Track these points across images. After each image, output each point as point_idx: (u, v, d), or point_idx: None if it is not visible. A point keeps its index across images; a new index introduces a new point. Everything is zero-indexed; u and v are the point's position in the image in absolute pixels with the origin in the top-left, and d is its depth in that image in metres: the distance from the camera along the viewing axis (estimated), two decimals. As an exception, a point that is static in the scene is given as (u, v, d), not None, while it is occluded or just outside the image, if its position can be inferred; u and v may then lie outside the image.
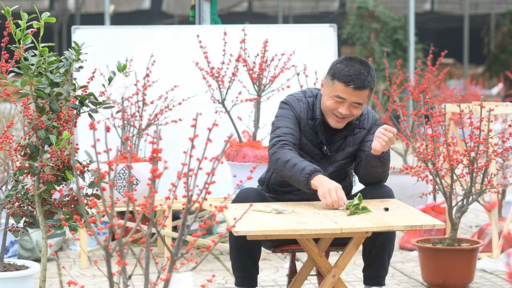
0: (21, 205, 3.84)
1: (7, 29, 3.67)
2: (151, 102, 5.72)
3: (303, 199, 3.96)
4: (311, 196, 3.89)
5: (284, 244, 3.94)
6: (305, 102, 4.04)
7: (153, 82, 5.79)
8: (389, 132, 3.84)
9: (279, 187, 4.07)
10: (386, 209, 3.66)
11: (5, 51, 3.77)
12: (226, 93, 5.68)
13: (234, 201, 3.91)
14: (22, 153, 3.77)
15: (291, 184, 3.90)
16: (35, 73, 3.67)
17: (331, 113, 3.94)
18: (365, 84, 3.87)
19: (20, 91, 3.68)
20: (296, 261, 4.21)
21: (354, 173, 4.15)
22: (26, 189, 3.81)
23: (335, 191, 3.69)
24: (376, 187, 3.97)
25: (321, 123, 4.00)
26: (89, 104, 3.81)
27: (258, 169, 5.09)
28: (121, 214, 5.89)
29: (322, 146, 4.01)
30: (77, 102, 3.77)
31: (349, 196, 4.07)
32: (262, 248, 4.04)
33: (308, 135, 4.01)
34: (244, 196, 3.87)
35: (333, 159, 4.04)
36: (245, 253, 3.84)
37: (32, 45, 3.70)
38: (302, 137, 4.01)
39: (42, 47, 3.70)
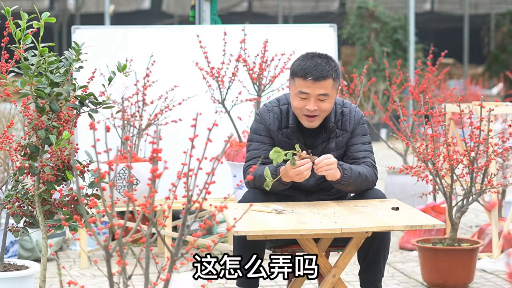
0: (21, 205, 3.84)
1: (7, 29, 3.67)
2: (151, 102, 5.72)
3: (303, 189, 3.99)
4: (311, 186, 3.96)
5: (284, 244, 3.94)
6: (276, 112, 3.99)
7: (153, 82, 5.79)
8: (329, 164, 3.77)
9: None
10: (397, 208, 3.66)
11: (5, 51, 3.77)
12: (226, 93, 5.68)
13: (240, 202, 3.92)
14: (22, 153, 3.77)
15: (274, 190, 3.89)
16: (35, 73, 3.67)
17: (301, 114, 3.89)
18: (324, 73, 3.81)
19: (20, 91, 3.68)
20: (296, 261, 4.20)
21: None
22: (26, 189, 3.81)
23: (293, 173, 3.73)
24: (367, 192, 3.95)
25: (295, 131, 3.95)
26: (89, 104, 3.81)
27: (258, 169, 5.09)
28: (121, 214, 5.89)
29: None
30: (77, 102, 3.77)
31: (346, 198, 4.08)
32: (263, 248, 4.04)
33: (284, 144, 3.93)
34: (252, 197, 3.86)
35: None
36: (249, 254, 3.82)
37: (32, 45, 3.70)
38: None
39: (42, 47, 3.70)
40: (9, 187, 3.99)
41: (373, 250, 3.83)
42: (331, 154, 3.89)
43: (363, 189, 3.92)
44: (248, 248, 3.80)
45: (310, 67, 3.81)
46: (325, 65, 3.83)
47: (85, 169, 3.78)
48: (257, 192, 3.89)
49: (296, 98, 3.87)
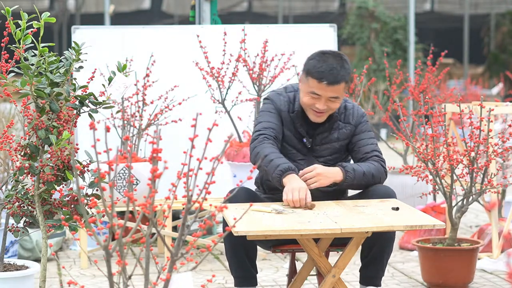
0: (21, 205, 3.84)
1: (7, 29, 3.67)
2: (151, 102, 5.72)
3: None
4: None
5: (284, 244, 3.94)
6: (285, 96, 4.06)
7: (153, 82, 5.79)
8: (312, 176, 3.81)
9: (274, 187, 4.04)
10: (397, 209, 3.66)
11: (5, 51, 3.77)
12: (226, 93, 5.68)
13: (225, 202, 3.90)
14: (22, 153, 3.77)
15: (267, 178, 3.92)
16: (35, 73, 3.67)
17: (309, 109, 3.96)
18: (338, 78, 3.86)
19: (20, 91, 3.68)
20: (296, 261, 4.21)
21: None
22: (26, 189, 3.81)
23: (298, 190, 3.70)
24: (378, 187, 3.96)
25: (300, 116, 4.01)
26: (89, 104, 3.81)
27: (258, 169, 5.09)
28: (121, 214, 5.89)
29: (302, 139, 4.02)
30: (77, 102, 3.77)
31: (344, 197, 4.08)
32: (262, 248, 4.04)
33: (290, 127, 4.03)
34: (234, 196, 3.85)
35: (318, 154, 4.03)
36: (242, 253, 3.83)
37: (32, 45, 3.70)
38: (285, 130, 4.03)
39: (42, 47, 3.70)
40: (9, 187, 3.99)
41: (378, 247, 3.84)
42: (333, 143, 3.99)
43: (373, 184, 3.95)
44: (241, 247, 3.80)
45: (325, 71, 3.86)
46: (340, 68, 3.88)
47: (85, 169, 3.78)
48: (240, 190, 3.88)
49: (307, 95, 3.93)
